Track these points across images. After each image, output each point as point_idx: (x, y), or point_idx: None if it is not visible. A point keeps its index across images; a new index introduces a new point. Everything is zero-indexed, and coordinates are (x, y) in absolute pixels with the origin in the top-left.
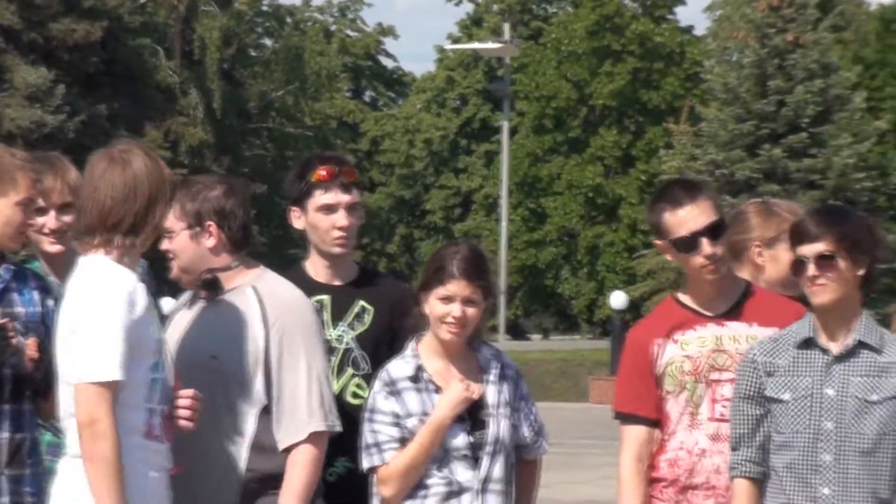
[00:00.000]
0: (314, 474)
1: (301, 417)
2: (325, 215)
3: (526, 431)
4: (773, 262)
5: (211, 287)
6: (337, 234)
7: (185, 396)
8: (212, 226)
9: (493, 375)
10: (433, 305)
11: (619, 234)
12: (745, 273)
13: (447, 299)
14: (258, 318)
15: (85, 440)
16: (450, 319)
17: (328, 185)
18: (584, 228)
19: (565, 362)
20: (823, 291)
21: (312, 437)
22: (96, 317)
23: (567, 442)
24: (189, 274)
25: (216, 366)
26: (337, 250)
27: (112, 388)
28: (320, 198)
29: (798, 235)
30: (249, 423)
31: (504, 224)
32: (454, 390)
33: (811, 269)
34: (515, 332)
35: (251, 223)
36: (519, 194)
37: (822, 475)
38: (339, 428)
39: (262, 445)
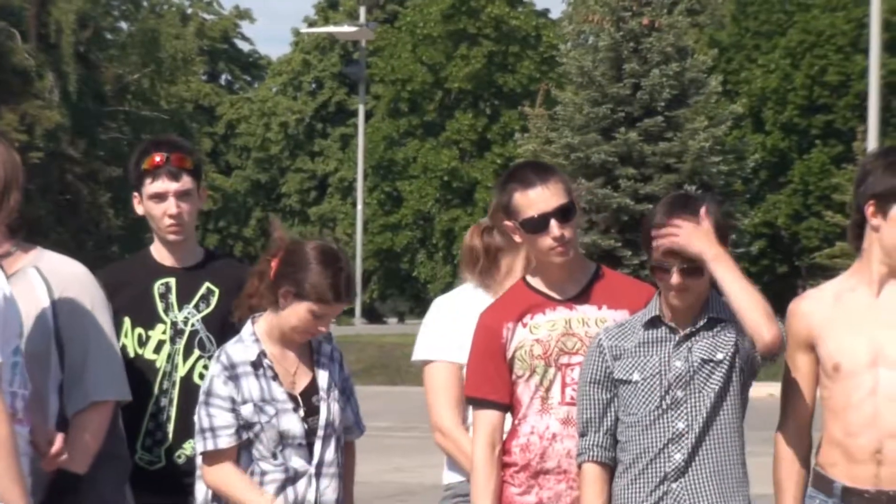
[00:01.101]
0: (96, 441)
1: (87, 387)
2: (156, 203)
3: (350, 414)
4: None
5: None
6: (168, 221)
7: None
8: None
9: (325, 358)
10: (300, 313)
11: (474, 218)
12: None
13: (318, 317)
14: (45, 297)
15: None
16: (320, 328)
17: (157, 172)
18: (440, 212)
19: None
20: (682, 297)
21: (97, 406)
22: None
23: (423, 426)
24: None
25: None
26: (171, 237)
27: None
28: (150, 186)
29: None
30: (52, 402)
31: (360, 208)
32: None
33: (676, 278)
34: (371, 315)
35: (97, 209)
36: (375, 178)
37: (676, 443)
38: (127, 398)
39: (64, 422)
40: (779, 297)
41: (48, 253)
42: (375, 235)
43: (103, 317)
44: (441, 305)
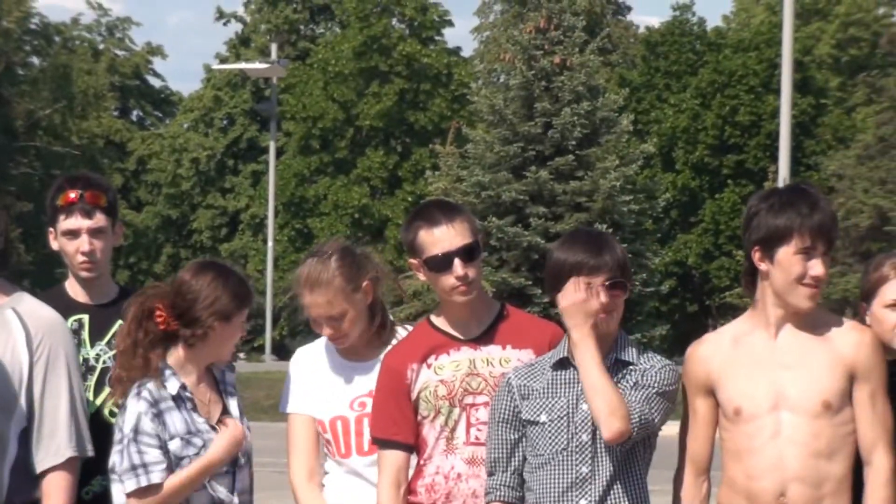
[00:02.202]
0: (72, 499)
1: (61, 440)
2: (69, 240)
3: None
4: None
5: None
6: (80, 258)
7: None
8: None
9: (231, 387)
10: (234, 332)
11: (385, 255)
12: None
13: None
14: (22, 341)
15: None
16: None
17: (71, 209)
18: None
19: None
20: (612, 318)
21: (70, 462)
22: None
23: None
24: None
25: None
26: (84, 274)
27: None
28: (63, 223)
29: (578, 266)
30: (11, 447)
31: (270, 244)
32: (233, 435)
33: (604, 297)
34: (281, 352)
35: (11, 245)
36: (285, 215)
37: (579, 488)
38: (91, 453)
39: (22, 469)
40: (688, 336)
41: (27, 296)
42: (286, 272)
43: (75, 369)
44: (300, 358)
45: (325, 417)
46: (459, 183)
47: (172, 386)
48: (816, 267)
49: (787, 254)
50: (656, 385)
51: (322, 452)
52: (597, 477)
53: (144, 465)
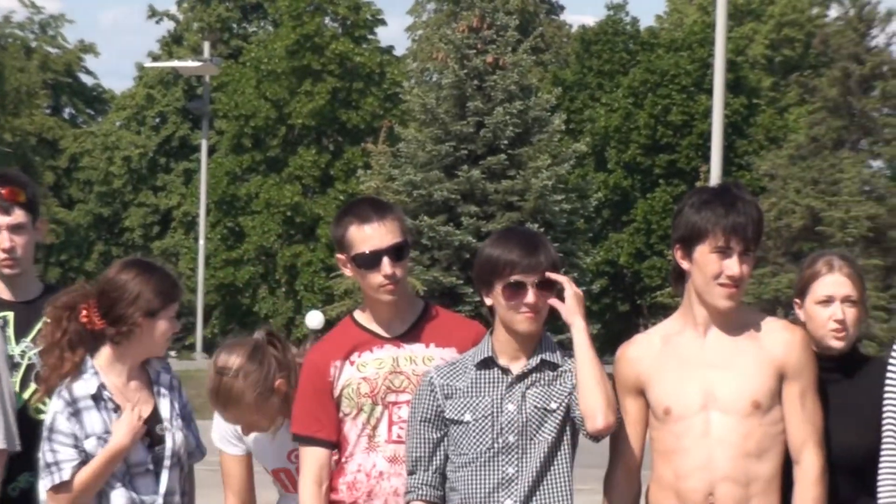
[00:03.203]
0: None
1: None
2: None
3: (192, 439)
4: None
5: None
6: (1, 255)
7: None
8: None
9: (164, 388)
10: (162, 327)
11: (317, 254)
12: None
13: (174, 320)
14: None
15: None
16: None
17: None
18: (283, 247)
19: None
20: (538, 318)
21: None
22: None
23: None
24: None
25: None
26: (6, 271)
27: None
28: None
29: (512, 264)
30: None
31: (202, 243)
32: (130, 420)
33: (532, 297)
34: (212, 350)
35: None
36: (217, 213)
37: (506, 488)
38: (19, 447)
39: None
40: (620, 336)
41: None
42: (217, 270)
43: (3, 364)
44: None
45: (268, 466)
46: (391, 182)
47: (91, 385)
48: (732, 266)
49: (703, 253)
50: None
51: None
52: (522, 477)
53: (57, 463)
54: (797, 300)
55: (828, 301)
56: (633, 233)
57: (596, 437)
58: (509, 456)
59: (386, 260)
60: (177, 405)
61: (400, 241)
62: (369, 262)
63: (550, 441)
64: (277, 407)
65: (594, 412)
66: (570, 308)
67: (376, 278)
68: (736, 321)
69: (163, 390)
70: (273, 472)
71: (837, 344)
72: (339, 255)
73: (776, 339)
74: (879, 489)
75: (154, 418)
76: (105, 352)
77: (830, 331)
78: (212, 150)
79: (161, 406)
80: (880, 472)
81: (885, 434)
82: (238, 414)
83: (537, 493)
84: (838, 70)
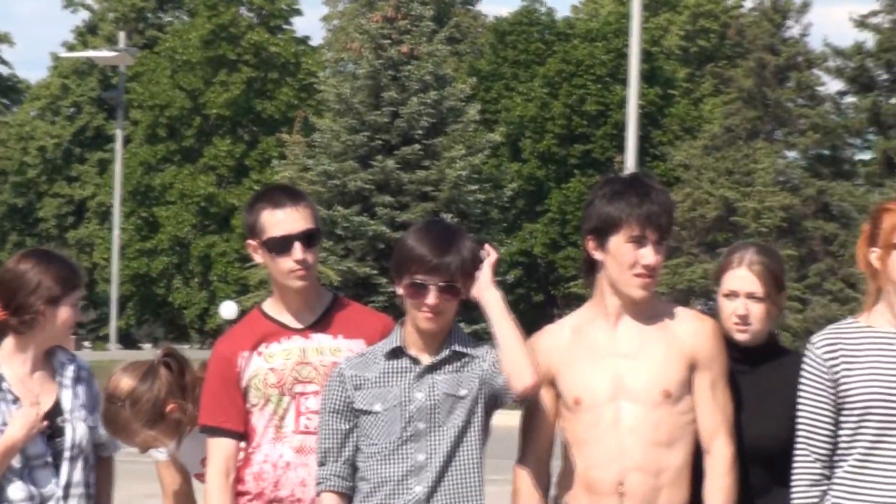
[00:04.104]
0: None
1: None
2: None
3: (101, 430)
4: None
5: None
6: None
7: None
8: None
9: (68, 379)
10: (64, 315)
11: (231, 244)
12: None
13: (77, 306)
14: None
15: None
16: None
17: None
18: (197, 238)
19: None
20: (439, 319)
21: None
22: None
23: None
24: None
25: None
26: None
27: None
28: None
29: (418, 262)
30: None
31: (116, 233)
32: (27, 415)
33: (433, 299)
34: (126, 341)
35: None
36: (132, 203)
37: (416, 475)
38: None
39: None
40: (534, 326)
41: None
42: (132, 261)
43: None
44: None
45: (191, 470)
46: (306, 172)
47: None
48: (647, 256)
49: (617, 243)
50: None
51: None
52: (432, 463)
53: None
54: (716, 289)
55: (732, 295)
56: (547, 223)
57: (522, 399)
58: (419, 443)
59: (297, 245)
60: (82, 396)
61: (312, 228)
62: (280, 246)
63: (460, 427)
64: (173, 428)
65: (519, 370)
66: (484, 283)
67: (287, 263)
68: (647, 311)
69: (66, 381)
70: (196, 476)
71: (741, 337)
72: (249, 241)
73: (687, 330)
74: (793, 486)
75: (56, 410)
76: (7, 342)
77: (733, 324)
78: (127, 141)
79: (63, 398)
80: (793, 468)
81: (798, 429)
82: (128, 439)
83: (446, 478)
84: (753, 61)
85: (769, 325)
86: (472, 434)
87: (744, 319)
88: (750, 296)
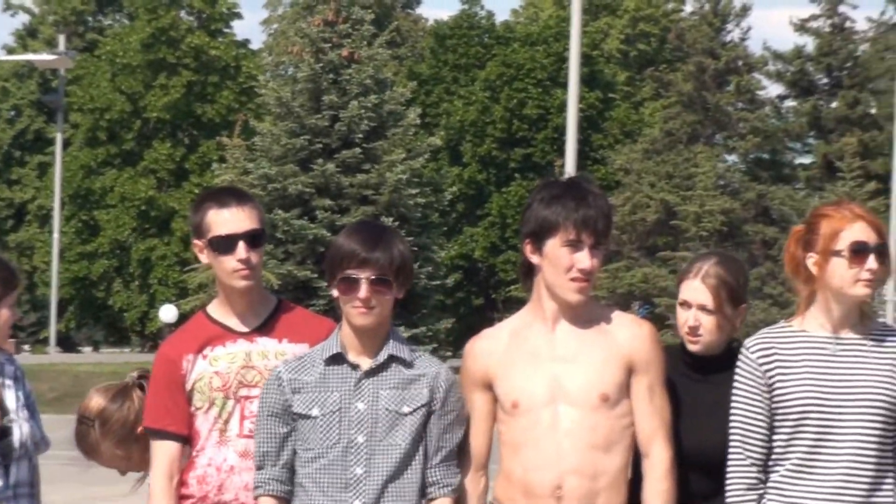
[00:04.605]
0: None
1: None
2: None
3: (37, 430)
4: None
5: None
6: None
7: None
8: None
9: (9, 379)
10: (4, 315)
11: (171, 248)
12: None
13: (13, 307)
14: None
15: None
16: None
17: None
18: (137, 241)
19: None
20: (372, 314)
21: None
22: None
23: None
24: None
25: None
26: None
27: None
28: None
29: (349, 257)
30: None
31: (56, 236)
32: None
33: (364, 292)
34: (66, 344)
35: None
36: (72, 206)
37: (353, 488)
38: None
39: None
40: (474, 330)
41: None
42: (72, 264)
43: None
44: None
45: None
46: (246, 175)
47: None
48: (583, 260)
49: (554, 246)
50: (454, 410)
51: None
52: (371, 478)
53: None
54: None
55: (686, 305)
56: (487, 227)
57: None
58: (358, 456)
59: (242, 244)
60: (23, 397)
61: (257, 228)
62: (225, 245)
63: (402, 445)
64: (145, 449)
65: None
66: None
67: (230, 262)
68: (585, 315)
69: (7, 381)
70: None
71: (692, 347)
72: (195, 241)
73: (625, 334)
74: (728, 490)
75: (1, 410)
76: None
77: (685, 333)
78: (67, 144)
79: (6, 397)
80: (728, 472)
81: (732, 433)
82: (98, 459)
83: (386, 493)
84: (693, 65)
85: (721, 336)
86: (417, 453)
87: (693, 330)
88: (701, 307)
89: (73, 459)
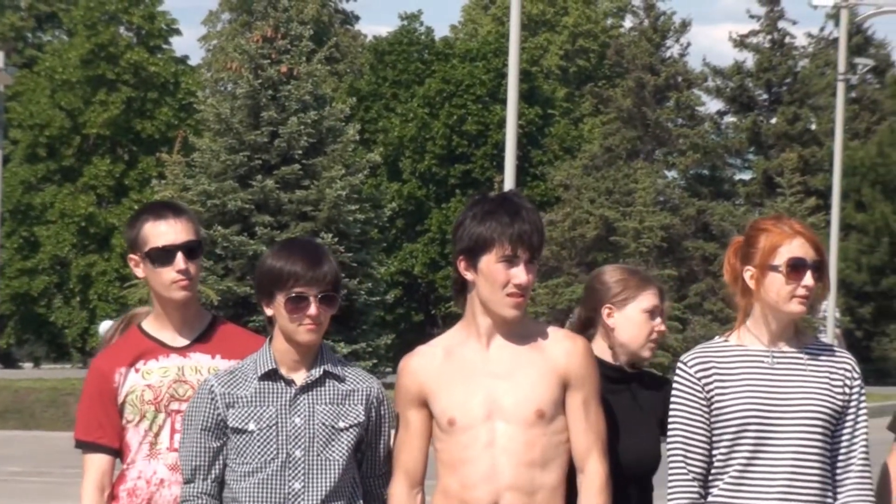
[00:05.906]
0: None
1: None
2: None
3: None
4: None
5: None
6: None
7: None
8: None
9: None
10: None
11: (111, 264)
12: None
13: None
14: None
15: None
16: None
17: None
18: (77, 257)
19: (56, 391)
20: (319, 330)
21: None
22: None
23: (55, 471)
24: None
25: None
26: None
27: None
28: None
29: (296, 275)
30: None
31: None
32: None
33: (314, 309)
34: (7, 360)
35: None
36: (12, 222)
37: (292, 503)
38: None
39: None
40: (414, 346)
41: None
42: (12, 280)
43: None
44: None
45: None
46: (186, 192)
47: None
48: (519, 275)
49: (489, 262)
50: (388, 423)
51: None
52: (309, 492)
53: None
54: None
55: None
56: (427, 242)
57: None
58: (295, 471)
59: (180, 255)
60: None
61: (194, 240)
62: (163, 257)
63: (339, 460)
64: None
65: None
66: None
67: (169, 274)
68: (519, 331)
69: None
70: None
71: (650, 356)
72: (131, 256)
73: (559, 349)
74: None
75: None
76: None
77: (652, 340)
78: (6, 160)
79: None
80: (670, 487)
81: (672, 448)
82: None
83: None
84: (633, 80)
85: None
86: (351, 462)
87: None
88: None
89: (13, 474)
